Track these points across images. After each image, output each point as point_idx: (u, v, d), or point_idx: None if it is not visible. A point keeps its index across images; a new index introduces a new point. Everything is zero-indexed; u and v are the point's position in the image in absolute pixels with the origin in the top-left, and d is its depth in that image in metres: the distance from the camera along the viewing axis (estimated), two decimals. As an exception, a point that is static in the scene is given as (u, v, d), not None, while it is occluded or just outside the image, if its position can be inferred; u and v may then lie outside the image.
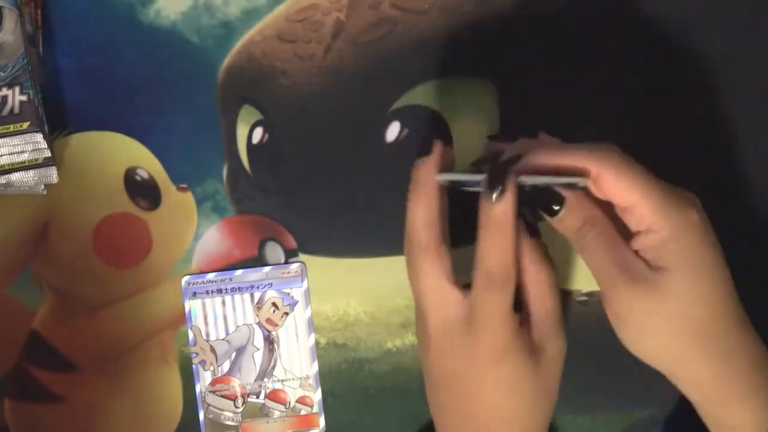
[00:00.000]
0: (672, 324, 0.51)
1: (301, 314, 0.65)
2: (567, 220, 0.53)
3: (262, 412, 0.65)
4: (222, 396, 0.65)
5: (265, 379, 0.65)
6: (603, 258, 0.53)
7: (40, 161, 0.60)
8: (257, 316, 0.65)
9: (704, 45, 0.64)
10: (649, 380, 0.65)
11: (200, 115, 0.64)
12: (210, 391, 0.65)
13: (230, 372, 0.65)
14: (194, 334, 0.65)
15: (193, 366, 0.65)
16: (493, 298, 0.51)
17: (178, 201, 0.65)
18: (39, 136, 0.59)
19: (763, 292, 0.63)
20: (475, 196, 0.51)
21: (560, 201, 0.52)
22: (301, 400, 0.65)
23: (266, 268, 0.65)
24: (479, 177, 0.51)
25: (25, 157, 0.59)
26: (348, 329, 0.65)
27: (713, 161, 0.65)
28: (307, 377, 0.65)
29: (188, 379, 0.65)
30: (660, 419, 0.66)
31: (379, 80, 0.63)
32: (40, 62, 0.63)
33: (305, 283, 0.65)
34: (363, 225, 0.65)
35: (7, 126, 0.59)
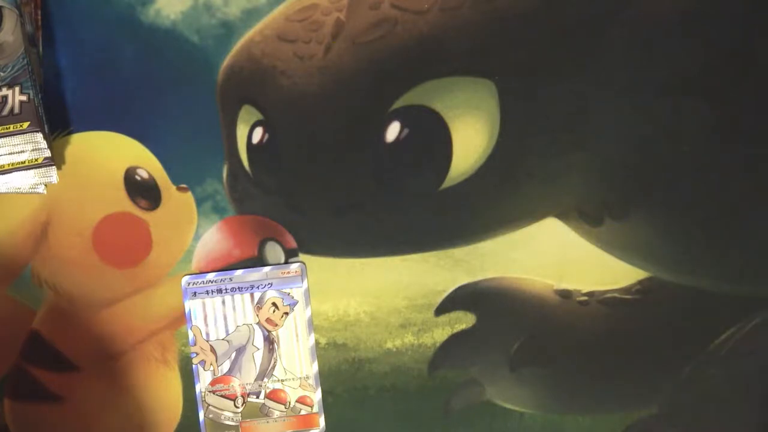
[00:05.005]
0: None
1: (301, 314, 0.65)
2: None
3: (262, 412, 0.65)
4: (222, 396, 0.65)
5: (265, 379, 0.65)
6: None
7: (40, 161, 0.60)
8: (257, 316, 0.65)
9: (705, 45, 0.64)
10: (649, 380, 0.65)
11: (200, 115, 0.64)
12: (210, 391, 0.65)
13: (230, 372, 0.65)
14: (194, 334, 0.65)
15: (193, 366, 0.65)
16: None
17: (178, 201, 0.65)
18: (39, 136, 0.59)
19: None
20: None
21: None
22: (301, 400, 0.65)
23: (266, 268, 0.64)
24: None
25: (25, 157, 0.59)
26: (348, 329, 0.65)
27: (713, 161, 0.65)
28: (307, 377, 0.65)
29: (188, 379, 0.65)
30: (660, 419, 0.66)
31: (379, 80, 0.63)
32: (40, 62, 0.63)
33: (305, 283, 0.65)
34: (363, 225, 0.65)
35: (7, 126, 0.59)
